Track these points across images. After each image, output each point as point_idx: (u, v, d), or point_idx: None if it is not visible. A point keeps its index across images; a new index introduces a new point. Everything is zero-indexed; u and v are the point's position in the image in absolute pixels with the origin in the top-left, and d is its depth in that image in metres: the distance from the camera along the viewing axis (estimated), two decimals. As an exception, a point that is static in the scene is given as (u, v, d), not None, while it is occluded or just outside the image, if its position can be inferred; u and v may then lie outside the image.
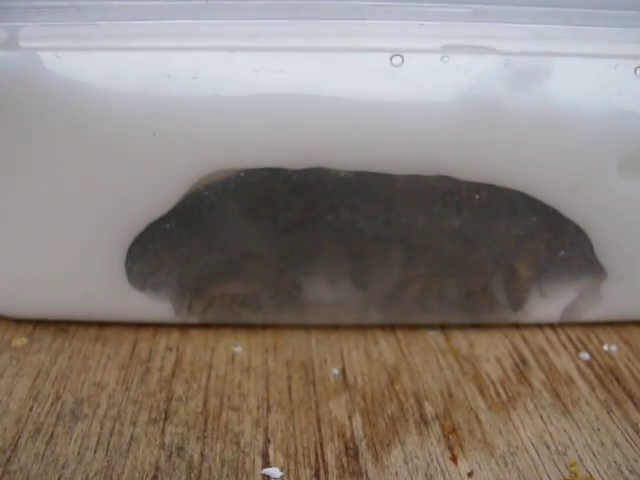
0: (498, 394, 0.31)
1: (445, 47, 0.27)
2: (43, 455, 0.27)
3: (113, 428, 0.28)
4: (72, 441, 0.27)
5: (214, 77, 0.27)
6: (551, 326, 0.36)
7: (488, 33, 0.27)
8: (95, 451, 0.27)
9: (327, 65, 0.28)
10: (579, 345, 0.34)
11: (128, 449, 0.27)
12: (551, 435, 0.28)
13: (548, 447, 0.28)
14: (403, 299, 0.33)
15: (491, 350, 0.34)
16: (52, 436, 0.28)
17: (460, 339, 0.35)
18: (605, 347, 0.34)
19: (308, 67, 0.28)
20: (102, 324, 0.34)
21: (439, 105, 0.28)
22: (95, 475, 0.26)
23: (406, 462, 0.27)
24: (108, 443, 0.27)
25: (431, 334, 0.35)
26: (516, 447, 0.28)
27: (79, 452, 0.27)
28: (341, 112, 0.28)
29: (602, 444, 0.28)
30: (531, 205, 0.31)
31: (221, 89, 0.27)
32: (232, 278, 0.33)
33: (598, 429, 0.29)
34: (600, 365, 0.33)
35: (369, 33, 0.27)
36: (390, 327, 0.35)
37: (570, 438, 0.28)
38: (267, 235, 0.31)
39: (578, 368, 0.33)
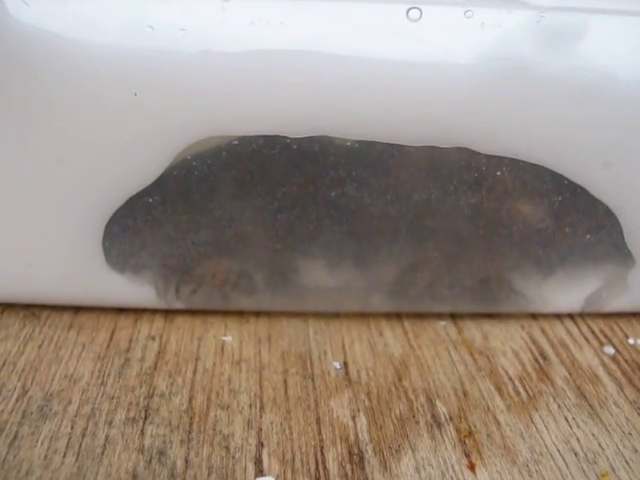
0: (517, 392, 0.28)
1: (469, -1, 0.24)
2: (5, 459, 0.23)
3: (86, 428, 0.25)
4: (38, 443, 0.24)
5: (204, 29, 0.24)
6: (571, 317, 0.33)
7: (519, -17, 0.24)
8: (64, 455, 0.24)
9: (334, 18, 0.25)
10: (602, 338, 0.32)
11: (102, 453, 0.24)
12: (578, 440, 0.26)
13: (576, 454, 0.25)
14: (411, 285, 0.30)
15: (507, 343, 0.31)
16: (16, 437, 0.24)
17: (473, 330, 0.32)
18: (631, 340, 0.32)
19: (312, 19, 0.25)
20: (77, 309, 0.32)
21: (460, 67, 0.25)
22: (63, 483, 0.23)
23: (418, 470, 0.24)
24: (80, 446, 0.24)
25: (441, 324, 0.32)
26: (540, 454, 0.25)
27: (46, 456, 0.24)
28: (348, 72, 0.25)
29: (635, 451, 0.25)
30: (557, 183, 0.28)
31: (212, 43, 0.24)
32: (223, 259, 0.29)
33: (629, 433, 0.26)
34: (627, 360, 0.30)
35: (383, -19, 0.24)
36: (396, 316, 0.32)
37: (600, 444, 0.26)
38: (262, 212, 0.28)
39: (603, 364, 0.30)
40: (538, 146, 0.27)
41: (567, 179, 0.28)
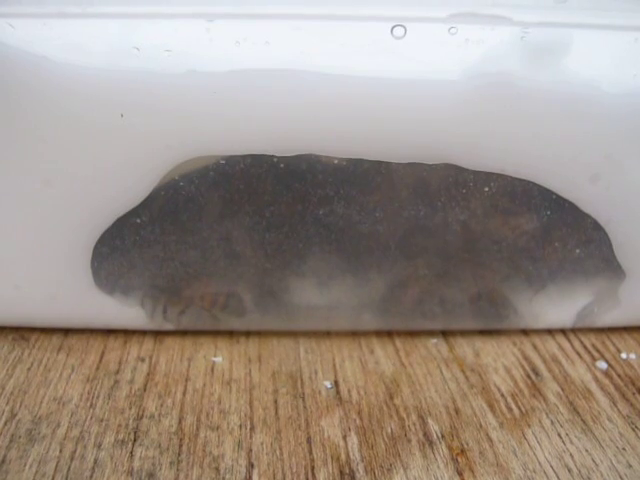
0: (510, 409, 0.28)
1: (453, 16, 0.24)
2: (-8, 484, 0.23)
3: (74, 451, 0.25)
4: (27, 467, 0.24)
5: (190, 50, 0.24)
6: (563, 332, 0.33)
7: (502, 0, 0.24)
8: (53, 478, 0.24)
9: (318, 36, 0.25)
10: (595, 353, 0.31)
11: (91, 476, 0.24)
12: (572, 456, 0.25)
13: (569, 470, 0.25)
14: (402, 303, 0.30)
15: (499, 359, 0.31)
16: (4, 461, 0.24)
17: (464, 347, 0.31)
18: (623, 355, 0.31)
19: (296, 39, 0.25)
20: (66, 331, 0.32)
21: (445, 83, 0.25)
22: (51, 508, 0.22)
23: (410, 489, 0.24)
24: (68, 469, 0.24)
25: (432, 342, 0.32)
26: (534, 471, 0.25)
27: (34, 480, 0.23)
28: (334, 91, 0.25)
29: (630, 466, 0.25)
30: (545, 198, 0.28)
31: (198, 64, 0.24)
32: (211, 280, 0.29)
33: (623, 448, 0.26)
34: (619, 375, 0.30)
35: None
36: (387, 334, 0.32)
37: (593, 459, 0.25)
38: (250, 231, 0.28)
39: (596, 379, 0.30)
40: (525, 161, 0.27)
41: (555, 194, 0.28)
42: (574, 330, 0.33)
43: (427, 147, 0.26)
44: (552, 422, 0.27)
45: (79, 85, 0.24)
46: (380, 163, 0.26)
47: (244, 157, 0.26)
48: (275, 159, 0.26)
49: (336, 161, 0.26)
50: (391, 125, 0.26)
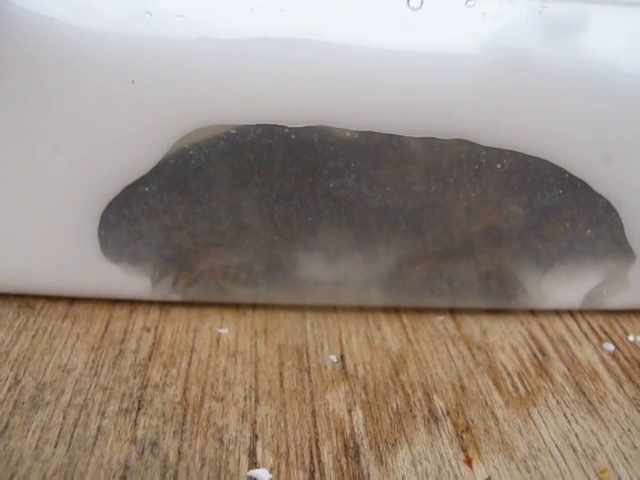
0: (516, 388, 0.27)
1: (471, -12, 0.24)
2: (-5, 449, 0.23)
3: (78, 419, 0.25)
4: (30, 433, 0.24)
5: (203, 16, 0.24)
6: (570, 313, 0.33)
7: (521, -28, 0.24)
8: (55, 445, 0.23)
9: (334, 6, 0.24)
10: (602, 335, 0.31)
11: (94, 443, 0.24)
12: (577, 436, 0.25)
13: (574, 450, 0.25)
14: (410, 279, 0.30)
15: (506, 338, 0.31)
16: (7, 427, 0.24)
17: (471, 325, 0.31)
18: (630, 337, 0.31)
19: (311, 7, 0.24)
20: (72, 300, 0.31)
21: (460, 57, 0.25)
22: (54, 474, 0.22)
23: (414, 465, 0.24)
24: (71, 436, 0.24)
25: (439, 319, 0.32)
26: (538, 449, 0.25)
27: (37, 446, 0.23)
28: (348, 62, 0.25)
29: (634, 447, 0.25)
30: (558, 177, 0.28)
31: (211, 30, 0.24)
32: (219, 251, 0.29)
33: (629, 430, 0.26)
34: (626, 357, 0.30)
35: (384, -31, 0.24)
36: (394, 310, 0.32)
37: (598, 440, 0.25)
38: (260, 203, 0.28)
39: (603, 360, 0.30)
40: (538, 139, 0.26)
41: (568, 173, 0.27)
42: (582, 311, 0.33)
43: (440, 121, 0.26)
44: (558, 402, 0.27)
45: (90, 49, 0.24)
46: (392, 137, 0.26)
47: (255, 127, 0.26)
48: (286, 130, 0.26)
49: (348, 133, 0.26)
50: (405, 98, 0.25)
